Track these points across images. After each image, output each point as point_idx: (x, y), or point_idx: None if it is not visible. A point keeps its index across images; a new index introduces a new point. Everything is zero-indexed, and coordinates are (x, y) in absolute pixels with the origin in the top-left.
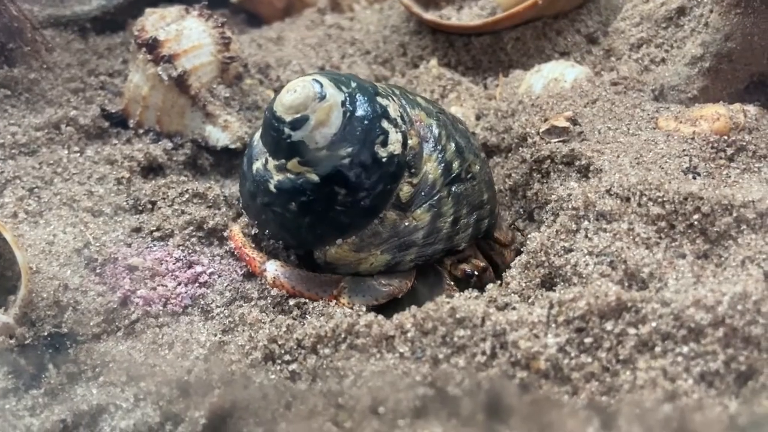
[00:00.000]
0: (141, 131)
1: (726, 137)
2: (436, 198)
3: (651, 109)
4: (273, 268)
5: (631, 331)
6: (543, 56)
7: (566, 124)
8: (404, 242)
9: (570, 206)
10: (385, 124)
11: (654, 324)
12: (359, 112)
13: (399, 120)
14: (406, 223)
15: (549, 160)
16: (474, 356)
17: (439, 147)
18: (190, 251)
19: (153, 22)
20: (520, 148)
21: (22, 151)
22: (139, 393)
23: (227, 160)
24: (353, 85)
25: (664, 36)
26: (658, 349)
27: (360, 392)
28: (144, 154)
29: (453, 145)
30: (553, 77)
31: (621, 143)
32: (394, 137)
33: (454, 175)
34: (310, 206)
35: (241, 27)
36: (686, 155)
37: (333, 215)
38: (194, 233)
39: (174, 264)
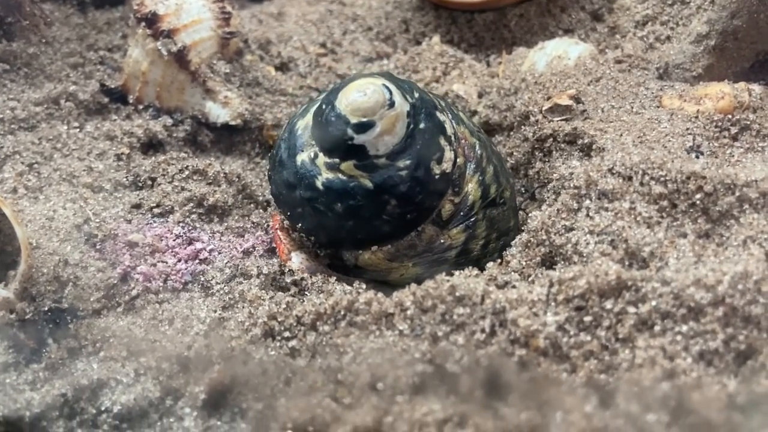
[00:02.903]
0: (141, 107)
1: (730, 116)
2: (472, 219)
3: (655, 87)
4: (298, 261)
5: (631, 309)
6: (547, 33)
7: (569, 102)
8: (437, 259)
9: (571, 185)
10: (442, 140)
11: (654, 303)
12: (421, 125)
13: (453, 138)
14: (442, 240)
15: (551, 139)
16: (473, 334)
17: (480, 169)
18: (190, 228)
19: None
20: (523, 127)
21: (21, 127)
22: (140, 368)
23: (227, 137)
24: (416, 95)
25: (669, 13)
26: (657, 328)
27: (359, 369)
28: (144, 130)
29: (491, 168)
30: (557, 55)
31: (624, 122)
32: (449, 155)
33: (490, 198)
34: (357, 211)
35: (241, 2)
36: (690, 134)
37: (377, 223)
38: (194, 210)
39: (174, 240)
